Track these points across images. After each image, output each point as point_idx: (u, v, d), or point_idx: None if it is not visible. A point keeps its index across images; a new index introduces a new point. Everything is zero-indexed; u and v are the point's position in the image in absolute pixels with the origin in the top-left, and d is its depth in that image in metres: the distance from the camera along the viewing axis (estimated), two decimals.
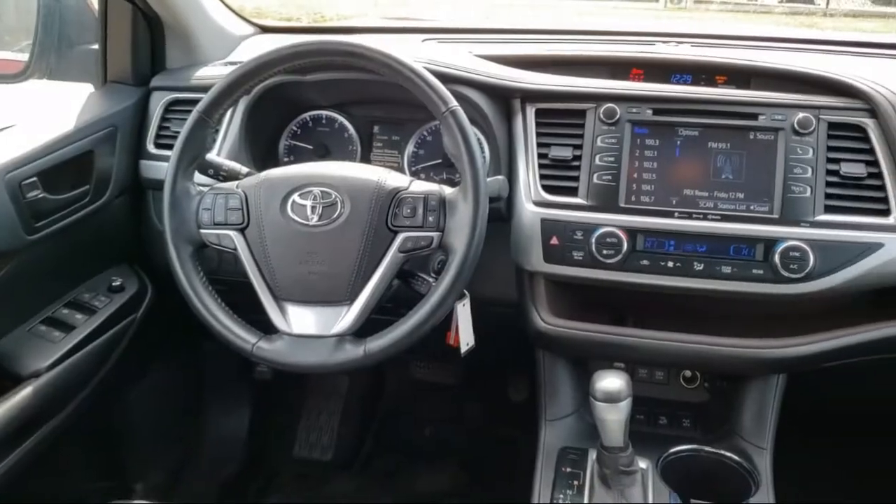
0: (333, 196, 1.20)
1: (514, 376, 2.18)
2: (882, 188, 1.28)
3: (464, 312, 1.35)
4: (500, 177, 1.28)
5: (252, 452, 2.19)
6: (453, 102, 1.19)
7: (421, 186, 1.22)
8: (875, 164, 1.29)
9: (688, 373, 1.53)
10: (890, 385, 1.53)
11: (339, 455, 2.18)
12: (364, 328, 1.20)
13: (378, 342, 1.16)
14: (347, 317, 1.18)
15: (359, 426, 2.26)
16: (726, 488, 1.31)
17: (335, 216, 1.19)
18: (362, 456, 2.22)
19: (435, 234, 1.18)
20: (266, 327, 1.22)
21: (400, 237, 1.18)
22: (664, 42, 1.74)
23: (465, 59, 1.51)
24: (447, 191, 1.21)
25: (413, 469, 2.14)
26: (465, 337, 1.37)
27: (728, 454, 1.38)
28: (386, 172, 1.24)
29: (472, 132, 1.19)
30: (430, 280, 1.24)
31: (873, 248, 1.25)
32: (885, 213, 1.27)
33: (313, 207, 1.20)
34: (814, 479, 1.93)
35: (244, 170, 1.38)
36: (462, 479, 2.10)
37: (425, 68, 1.23)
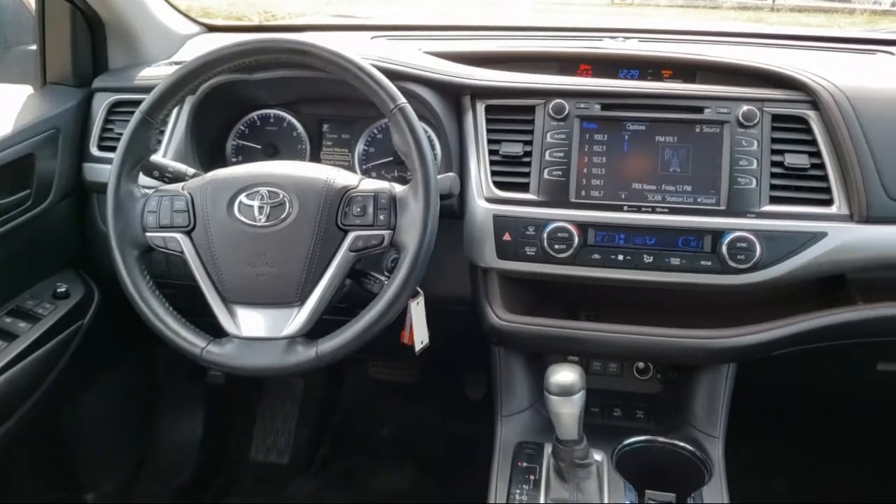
0: (281, 196, 1.18)
1: (472, 373, 2.18)
2: (825, 178, 1.31)
3: (418, 311, 1.35)
4: (451, 174, 1.28)
5: (208, 457, 2.15)
6: (401, 99, 1.18)
7: (371, 185, 1.21)
8: (818, 154, 1.32)
9: (641, 364, 1.55)
10: (837, 371, 1.57)
11: (296, 457, 2.16)
12: (316, 329, 1.18)
13: (330, 343, 1.15)
14: (298, 318, 1.16)
15: (316, 428, 2.25)
16: (680, 478, 1.33)
17: (283, 216, 1.17)
18: (320, 457, 2.20)
19: (386, 233, 1.18)
20: (217, 331, 1.20)
21: (350, 236, 1.17)
22: (612, 38, 1.75)
23: (415, 56, 1.51)
24: (398, 188, 1.21)
25: (372, 469, 2.13)
26: (420, 335, 1.37)
27: (681, 444, 1.39)
28: (335, 171, 1.23)
29: (422, 129, 1.19)
30: (383, 279, 1.23)
31: (817, 237, 1.28)
32: (828, 202, 1.30)
33: (261, 208, 1.18)
34: (766, 464, 1.98)
35: (190, 171, 1.35)
36: (421, 478, 2.09)
37: (373, 66, 1.23)
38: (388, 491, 2.07)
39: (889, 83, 1.42)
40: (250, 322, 1.18)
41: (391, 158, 1.52)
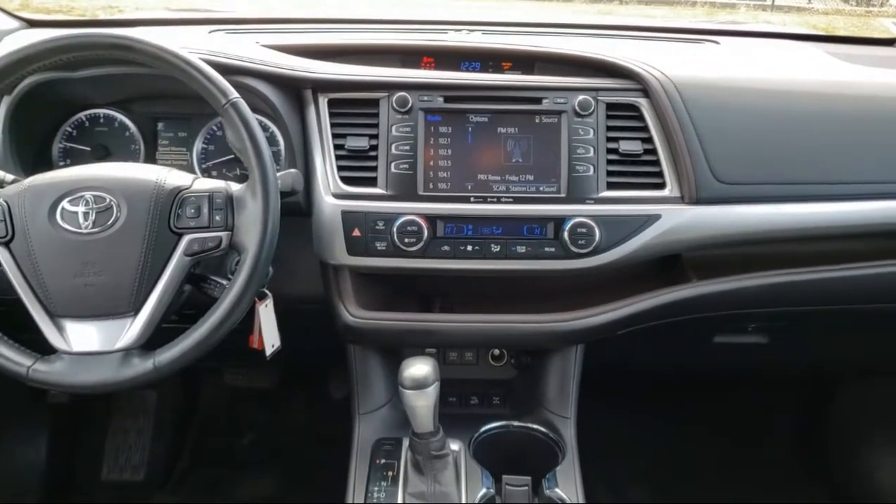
0: (108, 200, 1.11)
1: (335, 373, 2.15)
2: (657, 163, 1.37)
3: (266, 313, 1.31)
4: (292, 170, 1.24)
5: (55, 481, 2.01)
6: (234, 94, 1.14)
7: (205, 184, 1.16)
8: (650, 141, 1.37)
9: (496, 351, 1.57)
10: (679, 345, 1.65)
11: (152, 473, 2.06)
12: (156, 339, 1.12)
13: (168, 353, 1.09)
14: (133, 329, 1.10)
15: (172, 441, 2.15)
16: (536, 460, 1.35)
17: (111, 222, 1.11)
18: (179, 471, 2.11)
19: (223, 234, 1.13)
20: (47, 348, 1.11)
21: (185, 240, 1.12)
22: (457, 30, 1.76)
23: (252, 49, 1.46)
24: (234, 187, 1.16)
25: (234, 479, 2.06)
26: (270, 338, 1.33)
27: (535, 427, 1.42)
28: (166, 171, 1.17)
29: (257, 124, 1.15)
30: (225, 283, 1.18)
31: (652, 219, 1.34)
32: (661, 186, 1.36)
33: (86, 214, 1.11)
34: (616, 439, 2.07)
35: (9, 177, 1.25)
36: (286, 483, 2.05)
37: (204, 60, 1.17)
38: (251, 500, 2.01)
39: (714, 71, 1.50)
40: (81, 336, 1.10)
41: (232, 156, 1.47)
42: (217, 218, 1.13)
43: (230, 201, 1.14)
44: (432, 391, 1.17)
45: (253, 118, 1.15)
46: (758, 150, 1.38)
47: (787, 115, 1.42)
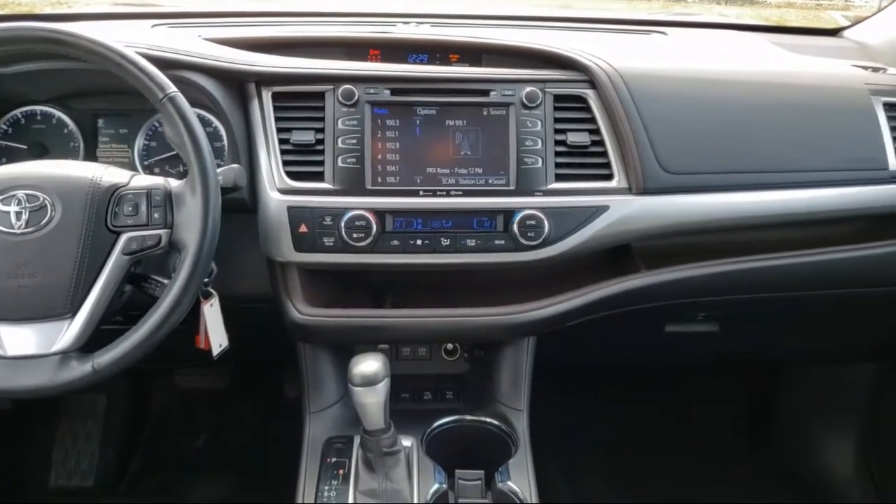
0: (42, 199, 1.08)
1: (289, 372, 2.12)
2: (605, 154, 1.37)
3: (212, 312, 1.28)
4: (234, 165, 1.22)
5: (1, 489, 1.96)
6: (171, 88, 1.11)
7: (143, 181, 1.13)
8: (597, 132, 1.38)
9: (449, 346, 1.56)
10: (631, 335, 1.66)
11: (102, 478, 2.01)
12: (97, 342, 1.09)
13: (108, 355, 1.06)
14: (70, 331, 1.06)
15: (123, 444, 2.10)
16: (489, 454, 1.35)
17: (45, 221, 1.07)
18: (130, 475, 2.06)
19: (163, 232, 1.10)
20: None
21: (123, 238, 1.09)
22: (405, 23, 1.75)
23: (194, 43, 1.43)
24: (173, 184, 1.13)
25: (187, 481, 2.02)
26: (217, 338, 1.30)
27: (488, 420, 1.42)
28: (103, 168, 1.14)
29: (196, 119, 1.12)
30: (166, 282, 1.15)
31: (600, 210, 1.34)
32: (609, 177, 1.37)
33: (18, 213, 1.07)
34: (570, 429, 2.09)
35: None
36: (240, 484, 2.02)
37: (142, 54, 1.14)
38: (204, 501, 1.97)
39: (660, 62, 1.52)
40: (16, 339, 1.06)
41: (175, 153, 1.43)
42: (156, 215, 1.10)
43: (169, 198, 1.11)
44: (382, 388, 1.15)
45: (191, 113, 1.12)
46: (703, 140, 1.40)
47: (732, 105, 1.43)
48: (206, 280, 1.28)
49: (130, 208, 1.10)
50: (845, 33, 1.92)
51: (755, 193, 1.40)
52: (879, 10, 1.83)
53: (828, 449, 2.06)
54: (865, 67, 1.62)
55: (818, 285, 1.50)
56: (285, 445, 1.66)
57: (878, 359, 1.90)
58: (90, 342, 1.08)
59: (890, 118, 1.48)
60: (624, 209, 1.35)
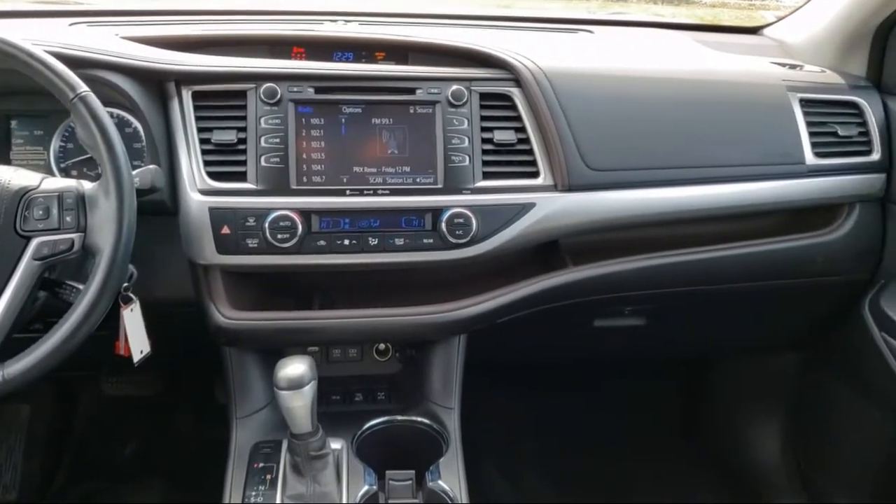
0: None
1: (219, 376, 2.07)
2: (531, 152, 1.38)
3: (132, 318, 1.25)
4: (151, 166, 1.19)
5: None
6: (82, 88, 1.08)
7: (54, 184, 1.09)
8: (523, 130, 1.38)
9: (381, 346, 1.55)
10: (560, 330, 1.68)
11: (25, 492, 1.93)
12: (10, 350, 1.05)
13: (20, 364, 1.02)
14: None
15: (49, 456, 2.03)
16: (420, 453, 1.34)
17: None
18: (56, 488, 1.99)
19: (76, 236, 1.07)
20: None
21: (34, 243, 1.05)
22: (333, 21, 1.73)
23: (111, 41, 1.38)
24: (87, 186, 1.10)
25: (116, 492, 1.97)
26: (138, 345, 1.27)
27: (419, 419, 1.41)
28: (11, 171, 1.09)
29: (109, 119, 1.09)
30: (81, 287, 1.11)
31: (527, 208, 1.35)
32: (535, 174, 1.38)
33: None
34: (505, 426, 2.10)
35: None
36: (171, 492, 1.97)
37: (54, 53, 1.11)
38: None
39: (584, 61, 1.53)
40: None
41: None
42: (68, 219, 1.07)
43: (82, 201, 1.08)
44: (308, 391, 1.13)
45: (104, 113, 1.09)
46: (626, 137, 1.42)
47: (654, 103, 1.46)
48: (125, 285, 1.25)
49: (41, 212, 1.06)
50: (765, 31, 1.97)
51: (677, 189, 1.43)
52: (797, 8, 1.88)
53: (756, 437, 2.12)
54: (783, 64, 1.67)
55: (740, 278, 1.54)
56: (217, 451, 1.64)
57: (800, 348, 1.96)
58: (3, 351, 1.04)
59: (806, 114, 1.52)
60: (550, 206, 1.36)
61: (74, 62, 1.19)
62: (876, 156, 1.56)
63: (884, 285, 1.61)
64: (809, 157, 1.50)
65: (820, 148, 1.51)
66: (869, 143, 1.56)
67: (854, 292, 1.66)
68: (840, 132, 1.54)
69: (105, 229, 1.06)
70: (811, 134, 1.51)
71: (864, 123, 1.56)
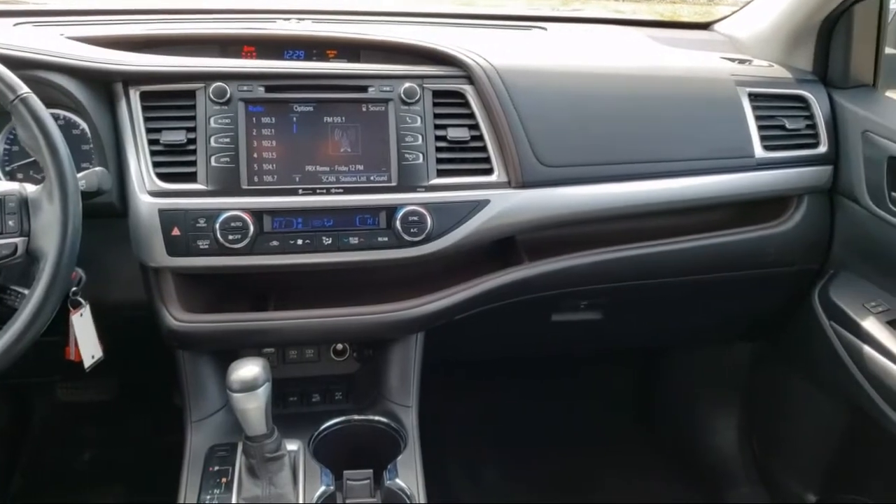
0: None
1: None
2: (485, 149, 1.38)
3: (81, 323, 1.24)
4: (97, 168, 1.17)
5: None
6: (23, 89, 1.06)
7: None
8: (477, 127, 1.39)
9: (339, 346, 1.54)
10: (518, 326, 1.69)
11: None
12: None
13: None
14: None
15: (2, 465, 1.98)
16: (378, 452, 1.34)
17: None
18: (10, 496, 1.95)
19: (18, 240, 1.04)
20: None
21: None
22: (285, 19, 1.72)
23: (55, 42, 1.36)
24: (29, 189, 1.08)
25: (74, 499, 1.93)
26: (89, 349, 1.26)
27: (377, 418, 1.41)
28: None
29: (51, 121, 1.07)
30: (26, 292, 1.09)
31: (482, 204, 1.36)
32: (489, 171, 1.38)
33: None
34: (466, 422, 2.11)
35: None
36: (129, 497, 1.94)
37: None
38: None
39: (536, 58, 1.54)
40: None
41: None
42: (10, 223, 1.04)
43: (24, 205, 1.06)
44: (262, 392, 1.12)
45: (47, 115, 1.06)
46: (578, 134, 1.43)
47: (606, 99, 1.47)
48: (74, 289, 1.23)
49: None
50: (716, 27, 2.00)
51: (630, 184, 1.45)
52: (746, 3, 1.91)
53: (713, 428, 2.15)
54: (732, 59, 1.69)
55: (693, 270, 1.56)
56: (175, 456, 1.62)
57: (755, 339, 2.00)
58: None
59: (755, 108, 1.55)
60: (504, 203, 1.37)
61: (16, 63, 1.16)
62: (823, 148, 1.59)
63: (833, 275, 1.65)
64: (758, 151, 1.53)
65: (768, 141, 1.54)
66: (816, 135, 1.59)
67: (805, 283, 1.69)
68: (788, 125, 1.56)
69: (49, 233, 1.04)
70: (760, 127, 1.54)
71: (811, 116, 1.59)
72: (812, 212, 1.61)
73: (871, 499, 1.68)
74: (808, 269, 1.68)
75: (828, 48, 1.68)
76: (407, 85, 1.35)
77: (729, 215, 1.60)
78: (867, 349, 1.49)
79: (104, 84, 1.31)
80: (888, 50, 1.68)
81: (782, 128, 1.56)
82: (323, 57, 1.50)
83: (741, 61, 1.69)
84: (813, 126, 1.59)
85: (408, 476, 1.28)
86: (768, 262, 1.61)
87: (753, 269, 1.62)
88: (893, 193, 1.47)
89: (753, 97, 1.56)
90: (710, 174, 1.50)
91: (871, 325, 1.50)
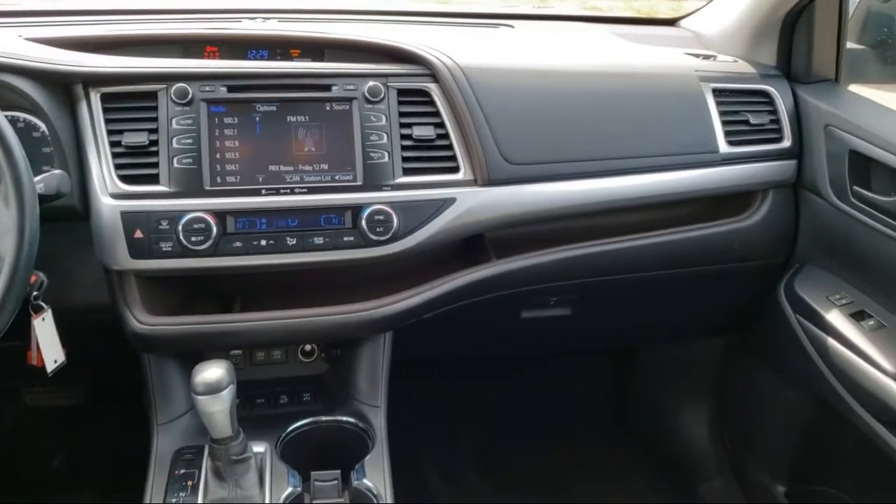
0: None
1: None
2: (450, 147, 1.38)
3: (44, 327, 1.22)
4: (56, 171, 1.16)
5: None
6: None
7: None
8: (442, 125, 1.39)
9: (307, 347, 1.53)
10: (488, 324, 1.69)
11: None
12: None
13: None
14: None
15: None
16: (346, 453, 1.33)
17: None
18: None
19: None
20: None
21: None
22: (251, 19, 1.71)
23: (12, 43, 1.33)
24: None
25: (43, 501, 1.91)
26: (52, 354, 1.24)
27: (345, 419, 1.40)
28: None
29: (7, 124, 1.05)
30: None
31: (448, 203, 1.36)
32: (455, 170, 1.38)
33: None
34: (439, 421, 2.11)
35: None
36: (98, 500, 1.92)
37: None
38: None
39: (501, 56, 1.54)
40: None
41: None
42: None
43: None
44: (227, 395, 1.11)
45: (1, 117, 1.05)
46: (544, 131, 1.43)
47: (571, 96, 1.48)
48: (35, 293, 1.22)
49: None
50: (682, 23, 2.01)
51: (596, 181, 1.45)
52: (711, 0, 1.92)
53: (685, 422, 2.17)
54: (697, 55, 1.70)
55: (660, 265, 1.57)
56: (145, 459, 1.60)
57: (723, 333, 2.01)
58: None
59: (719, 103, 1.56)
60: (470, 201, 1.37)
61: None
62: (787, 143, 1.60)
63: (798, 269, 1.66)
64: (723, 146, 1.54)
65: (733, 136, 1.55)
66: (780, 130, 1.60)
67: (771, 277, 1.71)
68: (752, 120, 1.57)
69: (5, 238, 1.02)
70: (724, 123, 1.55)
71: (774, 111, 1.60)
72: (777, 206, 1.62)
73: (838, 489, 1.70)
74: (775, 263, 1.69)
75: (791, 43, 1.69)
76: (371, 83, 1.35)
77: (695, 211, 1.61)
78: (831, 342, 1.50)
79: (64, 86, 1.30)
80: (849, 45, 1.70)
81: (746, 123, 1.57)
82: (287, 56, 1.49)
83: (706, 57, 1.70)
84: (777, 121, 1.60)
85: (375, 476, 1.28)
86: (735, 256, 1.62)
87: (720, 263, 1.63)
88: (855, 187, 1.48)
89: (717, 93, 1.57)
90: (675, 170, 1.51)
91: (835, 318, 1.51)
